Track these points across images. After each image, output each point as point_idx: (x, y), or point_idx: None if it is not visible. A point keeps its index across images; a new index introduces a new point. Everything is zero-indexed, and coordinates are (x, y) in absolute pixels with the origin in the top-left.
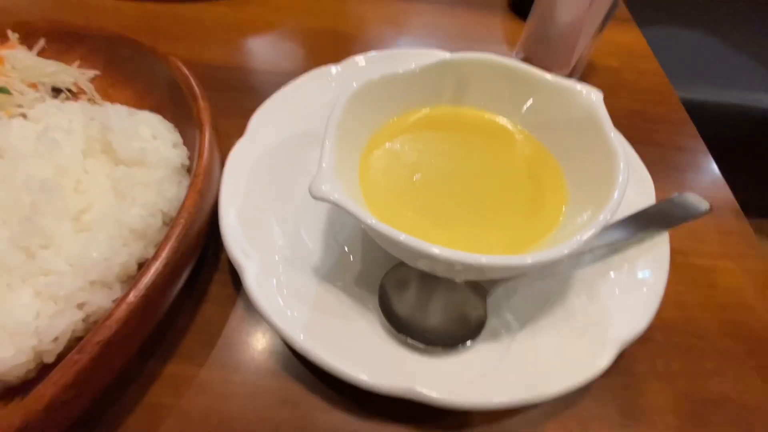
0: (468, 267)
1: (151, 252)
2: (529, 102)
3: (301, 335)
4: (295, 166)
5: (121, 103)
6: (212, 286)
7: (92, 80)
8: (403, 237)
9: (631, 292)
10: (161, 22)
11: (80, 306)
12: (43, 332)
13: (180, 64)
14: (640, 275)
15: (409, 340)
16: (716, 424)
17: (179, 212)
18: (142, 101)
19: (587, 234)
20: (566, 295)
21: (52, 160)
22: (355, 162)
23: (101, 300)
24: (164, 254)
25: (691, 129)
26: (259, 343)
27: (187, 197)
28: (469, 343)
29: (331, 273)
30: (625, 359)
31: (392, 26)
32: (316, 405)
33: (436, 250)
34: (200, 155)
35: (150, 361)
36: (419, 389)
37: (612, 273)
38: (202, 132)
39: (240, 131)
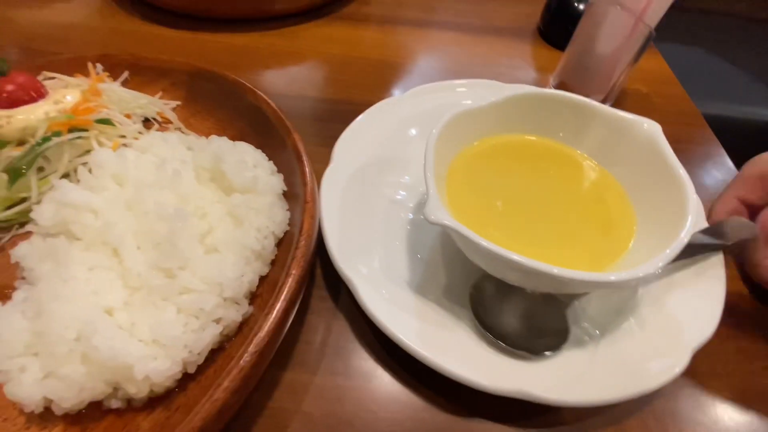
0: (563, 282)
1: (266, 270)
2: (594, 133)
3: (416, 342)
4: (376, 189)
5: (204, 132)
6: (312, 300)
7: (173, 110)
8: (516, 257)
9: (696, 303)
10: (218, 52)
11: (217, 321)
12: (192, 345)
13: (266, 98)
14: (701, 287)
15: (508, 348)
16: None
17: (300, 235)
18: (224, 131)
19: (665, 258)
20: (637, 307)
21: (174, 189)
22: (442, 185)
23: (233, 315)
24: (295, 272)
25: (719, 149)
26: (362, 350)
27: (303, 221)
28: (552, 352)
29: (422, 286)
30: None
31: (432, 54)
32: (422, 406)
33: (544, 267)
34: (304, 183)
35: (270, 369)
36: (528, 390)
37: (676, 285)
38: (300, 161)
39: (312, 157)
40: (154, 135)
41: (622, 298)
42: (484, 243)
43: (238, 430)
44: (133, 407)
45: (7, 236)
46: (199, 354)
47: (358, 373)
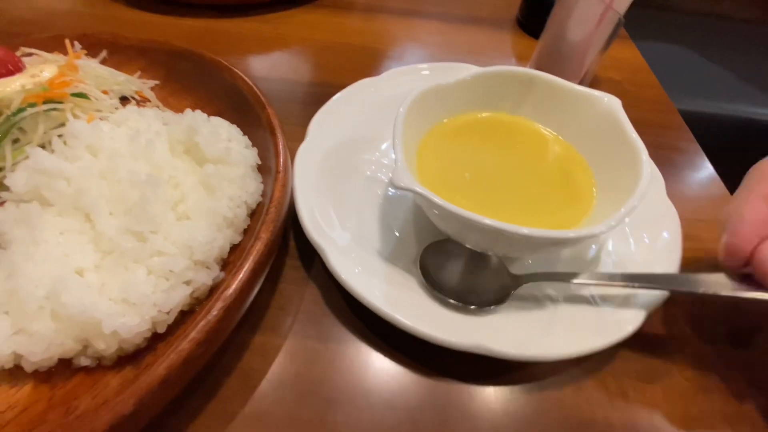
0: (524, 240)
1: (238, 238)
2: (558, 109)
3: (383, 304)
4: (350, 164)
5: (182, 111)
6: (286, 269)
7: (152, 89)
8: (479, 217)
9: (653, 266)
10: (202, 36)
11: (187, 283)
12: (161, 304)
13: (243, 76)
14: (658, 248)
15: (449, 300)
16: (725, 377)
17: (270, 203)
18: (202, 109)
19: (619, 216)
20: (596, 268)
21: (148, 159)
22: (412, 158)
23: (204, 278)
24: (265, 237)
25: (688, 135)
26: (333, 316)
27: (274, 190)
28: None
29: (392, 256)
30: (646, 325)
31: (413, 41)
32: (390, 367)
33: (507, 227)
34: (277, 154)
35: (240, 333)
36: (485, 344)
37: (632, 247)
38: (274, 134)
39: (291, 136)
40: (130, 109)
41: (584, 266)
42: (448, 205)
43: (208, 390)
44: (102, 366)
45: None
46: (168, 313)
47: (329, 337)
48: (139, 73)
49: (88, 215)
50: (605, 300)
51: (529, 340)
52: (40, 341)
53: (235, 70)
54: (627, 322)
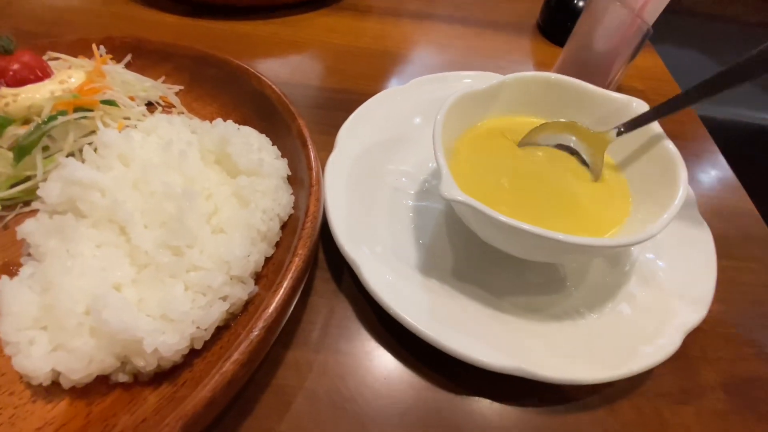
0: (569, 248)
1: (271, 252)
2: (588, 113)
3: (417, 319)
4: (378, 175)
5: (206, 117)
6: (316, 282)
7: (176, 95)
8: (529, 227)
9: (688, 286)
10: (219, 38)
11: (224, 298)
12: (199, 321)
13: (271, 83)
14: (693, 269)
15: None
16: (756, 398)
17: (306, 217)
18: (227, 116)
19: (656, 227)
20: (629, 288)
21: (181, 170)
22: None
23: (240, 293)
24: (302, 253)
25: (711, 145)
26: (365, 330)
27: (309, 204)
28: None
29: (425, 267)
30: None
31: (434, 46)
32: (423, 385)
33: (564, 237)
34: (309, 167)
35: (274, 348)
36: (525, 367)
37: (668, 265)
38: (305, 146)
39: (316, 142)
40: (159, 117)
41: (614, 280)
42: (500, 217)
43: (243, 406)
44: (139, 381)
45: (12, 214)
46: (206, 330)
47: (361, 352)
48: (163, 77)
49: (124, 228)
50: (642, 319)
51: (567, 362)
52: (80, 358)
53: (263, 77)
54: (665, 344)
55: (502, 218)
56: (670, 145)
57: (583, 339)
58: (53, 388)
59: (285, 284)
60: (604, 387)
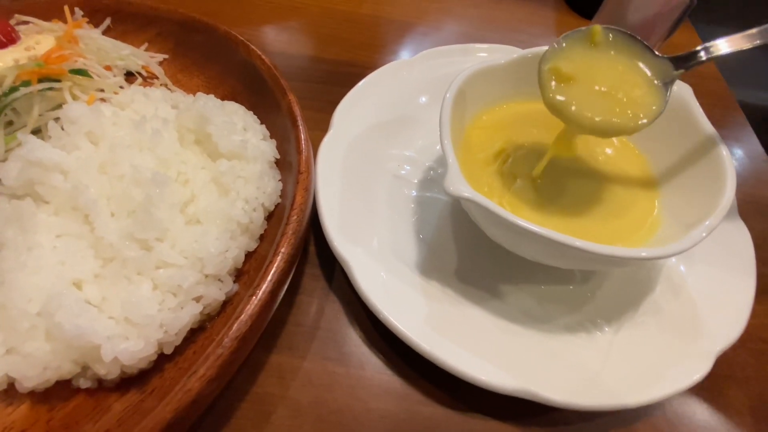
0: (595, 258)
1: (254, 245)
2: None
3: (416, 333)
4: (377, 160)
5: (192, 90)
6: (304, 279)
7: (160, 64)
8: (550, 233)
9: (722, 298)
10: (211, 1)
11: (197, 299)
12: (168, 325)
13: (261, 54)
14: (728, 282)
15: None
16: None
17: (291, 209)
18: (215, 89)
19: (699, 236)
20: (655, 301)
21: (154, 151)
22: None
23: (215, 293)
24: (285, 251)
25: (751, 135)
26: (357, 335)
27: (296, 193)
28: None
29: (426, 267)
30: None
31: (447, 15)
32: (417, 398)
33: (578, 243)
34: (299, 151)
35: (254, 352)
36: (535, 390)
37: (699, 278)
38: (296, 126)
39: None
40: (135, 89)
41: (636, 289)
42: (517, 220)
43: (219, 415)
44: (104, 387)
45: None
46: (176, 335)
47: (351, 360)
48: (146, 45)
49: (87, 216)
50: (667, 336)
51: (580, 385)
52: (34, 364)
53: (252, 46)
54: (691, 369)
55: (519, 222)
56: (708, 127)
57: (599, 357)
58: (12, 391)
59: (263, 287)
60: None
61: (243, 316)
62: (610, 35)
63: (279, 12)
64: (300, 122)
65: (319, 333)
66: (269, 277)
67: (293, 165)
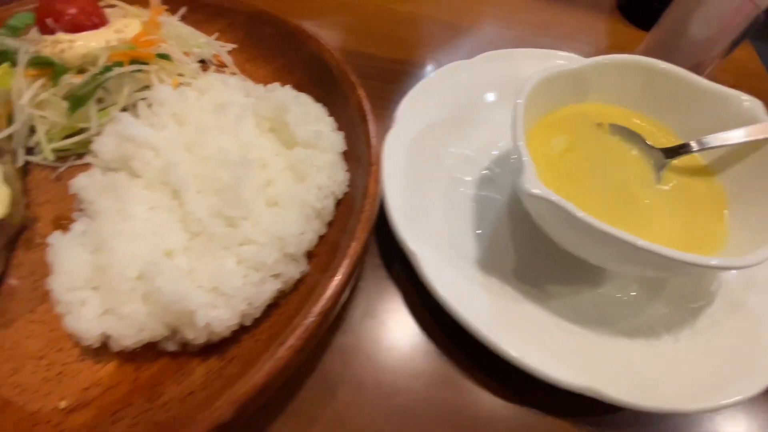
0: (666, 263)
1: (323, 231)
2: (686, 108)
3: (483, 325)
4: (437, 158)
5: (259, 80)
6: (366, 268)
7: (228, 54)
8: (627, 236)
9: None
10: None
11: (276, 276)
12: (252, 298)
13: (331, 49)
14: None
15: None
16: None
17: (365, 198)
18: (280, 81)
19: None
20: (711, 309)
21: (236, 135)
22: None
23: (292, 271)
24: (362, 237)
25: None
26: (413, 324)
27: (368, 184)
28: None
29: (488, 265)
30: None
31: (499, 19)
32: (471, 388)
33: (659, 248)
34: (368, 144)
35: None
36: (599, 388)
37: (759, 290)
38: (365, 121)
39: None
40: (214, 76)
41: (695, 300)
42: (598, 223)
43: (288, 390)
44: (186, 352)
45: (64, 166)
46: (257, 308)
47: (408, 347)
48: (216, 34)
49: (177, 192)
50: (724, 351)
51: (639, 388)
52: (131, 325)
53: (322, 41)
54: (746, 387)
55: (600, 225)
56: None
57: (658, 362)
58: (101, 349)
59: (342, 269)
60: (672, 415)
61: (326, 293)
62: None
63: (338, 8)
64: (370, 117)
65: (377, 318)
66: (347, 260)
67: (362, 157)
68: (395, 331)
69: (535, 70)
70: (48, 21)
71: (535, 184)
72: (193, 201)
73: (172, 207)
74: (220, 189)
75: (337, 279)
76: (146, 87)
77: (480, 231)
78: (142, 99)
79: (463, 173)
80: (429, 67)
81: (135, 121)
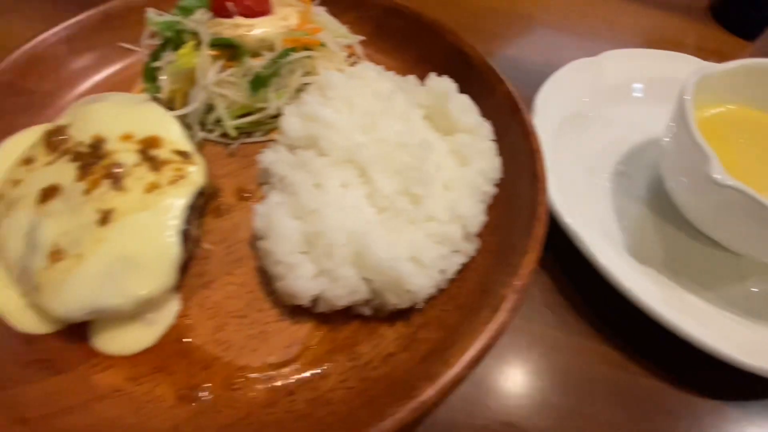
0: None
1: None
2: None
3: (658, 304)
4: (573, 148)
5: (389, 70)
6: None
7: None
8: None
9: None
10: None
11: (458, 252)
12: (447, 270)
13: (471, 43)
14: None
15: None
16: None
17: (537, 181)
18: (410, 71)
19: None
20: None
21: (406, 121)
22: None
23: (470, 249)
24: (544, 217)
25: None
26: (569, 306)
27: (537, 169)
28: None
29: (638, 254)
30: None
31: (594, 20)
32: (637, 370)
33: None
34: (528, 132)
35: None
36: None
37: None
38: (517, 111)
39: None
40: (366, 65)
41: None
42: None
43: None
44: (377, 317)
45: (235, 143)
46: (446, 279)
47: (571, 328)
48: (347, 26)
49: (364, 170)
50: None
51: None
52: (345, 287)
53: (461, 36)
54: None
55: None
56: None
57: None
58: (298, 310)
59: (530, 252)
60: None
61: (522, 270)
62: None
63: (446, 4)
64: (522, 106)
65: (538, 300)
66: (536, 240)
67: (515, 145)
68: (556, 314)
69: (692, 70)
70: (229, 5)
71: (725, 175)
72: (380, 179)
73: (359, 184)
74: (400, 169)
75: (529, 257)
76: (308, 73)
77: (626, 220)
78: (306, 83)
79: (598, 164)
80: (543, 64)
81: (319, 102)
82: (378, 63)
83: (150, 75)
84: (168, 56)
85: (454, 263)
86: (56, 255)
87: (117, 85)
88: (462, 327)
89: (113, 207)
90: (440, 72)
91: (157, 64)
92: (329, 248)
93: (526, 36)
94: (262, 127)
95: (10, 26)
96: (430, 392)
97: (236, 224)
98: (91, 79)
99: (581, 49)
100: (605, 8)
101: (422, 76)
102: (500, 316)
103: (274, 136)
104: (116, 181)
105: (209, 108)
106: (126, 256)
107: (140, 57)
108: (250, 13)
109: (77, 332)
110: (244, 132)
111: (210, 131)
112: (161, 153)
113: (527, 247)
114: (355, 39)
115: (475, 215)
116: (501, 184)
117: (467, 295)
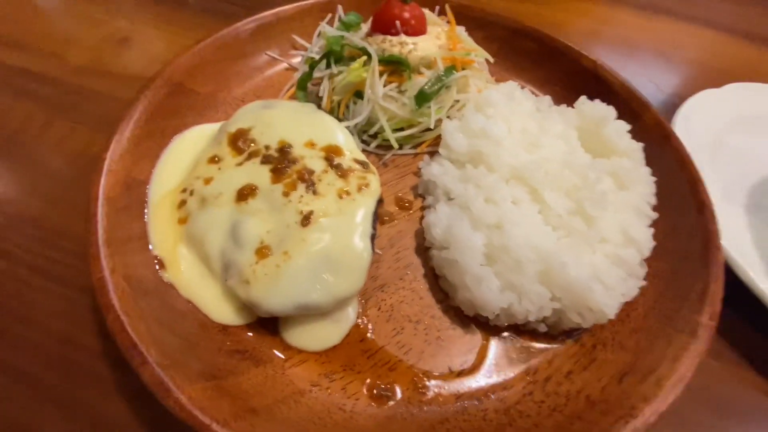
0: None
1: None
2: None
3: None
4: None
5: None
6: None
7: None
8: None
9: None
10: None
11: (634, 275)
12: (626, 293)
13: (609, 68)
14: None
15: None
16: None
17: (707, 215)
18: (536, 91)
19: None
20: None
21: (566, 141)
22: None
23: (642, 274)
24: (720, 245)
25: None
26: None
27: (705, 201)
28: None
29: None
30: None
31: (685, 50)
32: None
33: None
34: (689, 165)
35: None
36: None
37: None
38: (668, 139)
39: None
40: (510, 84)
41: None
42: None
43: None
44: (545, 334)
45: (389, 154)
46: (626, 302)
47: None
48: None
49: (535, 189)
50: None
51: None
52: (532, 303)
53: (597, 59)
54: None
55: None
56: None
57: None
58: (467, 321)
59: (715, 282)
60: None
61: (711, 297)
62: None
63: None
64: (675, 134)
65: None
66: (719, 267)
67: (668, 171)
68: None
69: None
70: (397, 23)
71: None
72: (551, 198)
73: (528, 201)
74: (569, 189)
75: (718, 283)
76: (460, 89)
77: None
78: (456, 101)
79: (732, 197)
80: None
81: (483, 119)
82: (504, 81)
83: (304, 84)
84: (332, 68)
85: (632, 287)
86: (263, 251)
87: (265, 90)
88: (652, 351)
89: (312, 210)
90: (567, 92)
91: (318, 75)
92: (518, 264)
93: (628, 60)
94: (414, 140)
95: (174, 37)
96: (647, 412)
97: (401, 231)
98: (243, 84)
99: (692, 78)
100: (695, 38)
101: (551, 96)
102: (700, 343)
103: (424, 148)
104: (311, 185)
105: (369, 120)
106: (327, 256)
107: (284, 65)
108: (413, 32)
109: (266, 326)
110: (401, 144)
111: (366, 142)
112: (344, 161)
113: (709, 276)
114: (491, 58)
115: (647, 239)
116: (657, 209)
117: (641, 320)
